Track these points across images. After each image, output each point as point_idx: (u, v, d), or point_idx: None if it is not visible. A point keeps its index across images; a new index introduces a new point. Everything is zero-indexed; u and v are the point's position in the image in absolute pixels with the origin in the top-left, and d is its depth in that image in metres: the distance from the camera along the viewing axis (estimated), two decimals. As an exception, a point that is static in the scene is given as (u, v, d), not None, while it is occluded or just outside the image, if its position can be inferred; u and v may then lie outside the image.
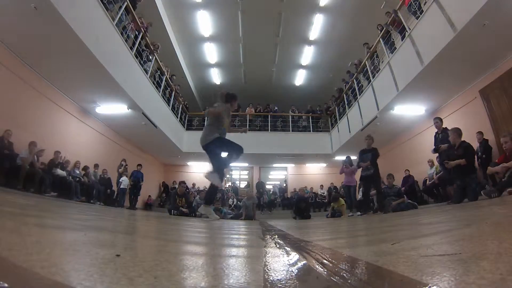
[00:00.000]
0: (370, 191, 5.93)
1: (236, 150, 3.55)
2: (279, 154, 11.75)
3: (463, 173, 4.08)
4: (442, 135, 5.13)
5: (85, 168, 7.22)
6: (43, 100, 6.15)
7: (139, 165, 8.95)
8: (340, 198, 7.68)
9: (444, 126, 5.37)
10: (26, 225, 1.06)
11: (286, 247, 1.09)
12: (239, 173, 14.68)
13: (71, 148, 7.00)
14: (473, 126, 5.81)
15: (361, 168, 5.62)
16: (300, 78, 13.33)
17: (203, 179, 12.91)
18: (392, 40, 7.11)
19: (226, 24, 10.03)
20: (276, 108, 12.98)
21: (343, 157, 11.02)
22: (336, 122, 11.16)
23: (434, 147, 5.38)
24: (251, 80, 13.36)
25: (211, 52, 11.59)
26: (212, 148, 3.48)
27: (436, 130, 5.49)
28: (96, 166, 7.72)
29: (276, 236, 1.72)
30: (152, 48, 8.15)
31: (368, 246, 1.14)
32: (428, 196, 7.12)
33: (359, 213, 6.04)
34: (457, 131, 4.40)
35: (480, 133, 5.54)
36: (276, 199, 12.21)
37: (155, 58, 8.35)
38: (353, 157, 7.20)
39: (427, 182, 7.01)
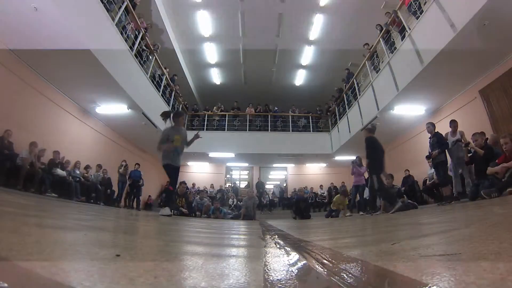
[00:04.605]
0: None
1: (172, 183, 4.22)
2: (279, 154, 11.75)
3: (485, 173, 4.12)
4: (433, 139, 5.16)
5: (87, 167, 7.22)
6: (43, 100, 6.15)
7: (137, 164, 8.92)
8: (346, 199, 7.66)
9: (436, 130, 5.37)
10: (26, 225, 1.06)
11: (286, 247, 1.09)
12: (239, 173, 14.68)
13: (71, 148, 7.00)
14: (473, 126, 5.81)
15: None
16: (300, 78, 13.33)
17: (203, 179, 13.04)
18: (392, 40, 7.11)
19: (226, 24, 10.03)
20: (276, 108, 12.99)
21: (343, 157, 11.13)
22: (336, 122, 11.16)
23: (428, 152, 5.38)
24: (251, 80, 13.36)
25: (211, 52, 11.59)
26: (166, 169, 4.09)
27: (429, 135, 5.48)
28: (98, 166, 7.72)
29: (276, 236, 1.72)
30: (152, 48, 8.15)
31: (368, 246, 1.14)
32: (428, 196, 7.12)
33: (361, 213, 6.07)
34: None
35: (482, 133, 5.53)
36: (275, 199, 12.22)
37: (155, 58, 8.35)
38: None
39: (427, 182, 7.01)
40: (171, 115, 4.24)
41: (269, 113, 12.45)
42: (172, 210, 6.74)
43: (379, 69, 7.76)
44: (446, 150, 5.00)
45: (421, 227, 1.81)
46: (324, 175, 13.48)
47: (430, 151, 5.22)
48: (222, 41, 10.96)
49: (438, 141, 5.00)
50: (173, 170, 4.06)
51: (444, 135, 5.20)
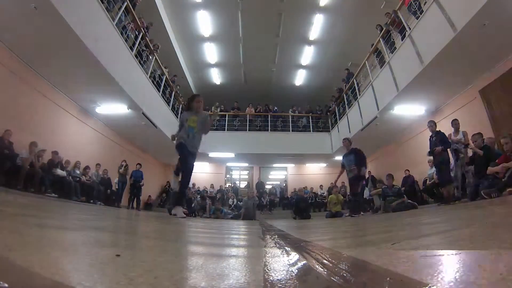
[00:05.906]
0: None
1: (184, 168, 3.60)
2: (279, 154, 11.75)
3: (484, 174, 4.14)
4: (435, 138, 5.16)
5: (86, 168, 7.22)
6: (43, 100, 6.14)
7: (138, 164, 8.93)
8: (339, 195, 7.69)
9: (437, 129, 5.38)
10: (26, 225, 1.06)
11: (286, 247, 1.09)
12: (239, 173, 14.68)
13: (71, 148, 7.00)
14: (473, 126, 5.81)
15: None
16: (300, 78, 13.33)
17: (203, 179, 13.03)
18: (392, 40, 7.11)
19: (226, 24, 10.03)
20: (276, 108, 12.99)
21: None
22: (336, 122, 11.16)
23: (429, 150, 5.39)
24: (251, 80, 13.36)
25: (211, 52, 11.59)
26: (178, 150, 3.60)
27: (430, 134, 5.49)
28: (98, 165, 7.72)
29: (276, 236, 1.72)
30: (152, 48, 8.15)
31: (368, 246, 1.14)
32: (428, 196, 7.11)
33: (362, 213, 6.07)
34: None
35: (480, 134, 5.53)
36: (275, 199, 12.22)
37: (155, 58, 8.35)
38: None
39: (427, 182, 7.01)
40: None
41: (269, 113, 12.45)
42: (172, 211, 6.75)
43: (383, 62, 7.70)
44: (448, 150, 5.02)
45: (421, 227, 1.81)
46: (324, 175, 13.47)
47: (430, 149, 5.23)
48: (222, 41, 10.96)
49: (441, 139, 5.01)
50: (189, 154, 3.51)
51: (447, 136, 5.20)
